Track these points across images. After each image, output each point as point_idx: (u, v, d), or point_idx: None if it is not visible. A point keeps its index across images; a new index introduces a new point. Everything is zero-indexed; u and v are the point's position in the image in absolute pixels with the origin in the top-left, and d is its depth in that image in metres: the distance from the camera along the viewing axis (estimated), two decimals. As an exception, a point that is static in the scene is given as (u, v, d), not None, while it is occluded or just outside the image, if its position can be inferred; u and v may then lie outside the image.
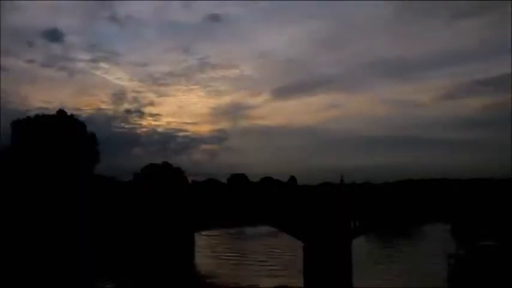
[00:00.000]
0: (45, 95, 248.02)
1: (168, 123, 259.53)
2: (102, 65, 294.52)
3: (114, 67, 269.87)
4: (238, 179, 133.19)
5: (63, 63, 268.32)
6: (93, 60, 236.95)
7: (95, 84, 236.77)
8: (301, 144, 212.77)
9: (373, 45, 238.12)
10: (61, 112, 78.76)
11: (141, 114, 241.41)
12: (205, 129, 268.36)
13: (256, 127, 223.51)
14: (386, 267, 53.53)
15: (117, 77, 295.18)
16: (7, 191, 63.65)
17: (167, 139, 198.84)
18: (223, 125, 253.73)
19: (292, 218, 52.53)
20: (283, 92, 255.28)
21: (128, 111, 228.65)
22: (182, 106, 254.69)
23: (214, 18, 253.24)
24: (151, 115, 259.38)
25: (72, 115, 79.46)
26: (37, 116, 77.29)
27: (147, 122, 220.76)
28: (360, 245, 55.41)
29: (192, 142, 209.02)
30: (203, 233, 78.75)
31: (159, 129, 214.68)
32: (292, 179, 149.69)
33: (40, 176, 67.43)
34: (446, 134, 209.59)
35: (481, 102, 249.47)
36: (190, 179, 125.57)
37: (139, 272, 51.43)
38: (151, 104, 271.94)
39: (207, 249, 67.77)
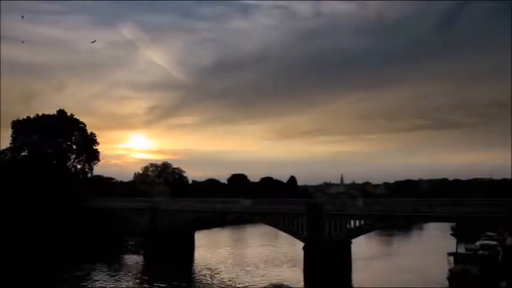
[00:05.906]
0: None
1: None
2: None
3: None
4: (238, 179, 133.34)
5: None
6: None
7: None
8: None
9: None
10: (61, 112, 78.55)
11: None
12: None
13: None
14: (386, 266, 53.54)
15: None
16: (7, 191, 63.69)
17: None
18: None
19: (291, 218, 52.48)
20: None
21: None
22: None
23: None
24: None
25: (72, 115, 79.19)
26: (37, 116, 77.00)
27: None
28: (360, 244, 55.35)
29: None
30: (203, 231, 78.87)
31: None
32: (292, 179, 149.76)
33: (39, 176, 67.51)
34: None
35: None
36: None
37: (140, 269, 51.69)
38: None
39: (207, 248, 67.80)
